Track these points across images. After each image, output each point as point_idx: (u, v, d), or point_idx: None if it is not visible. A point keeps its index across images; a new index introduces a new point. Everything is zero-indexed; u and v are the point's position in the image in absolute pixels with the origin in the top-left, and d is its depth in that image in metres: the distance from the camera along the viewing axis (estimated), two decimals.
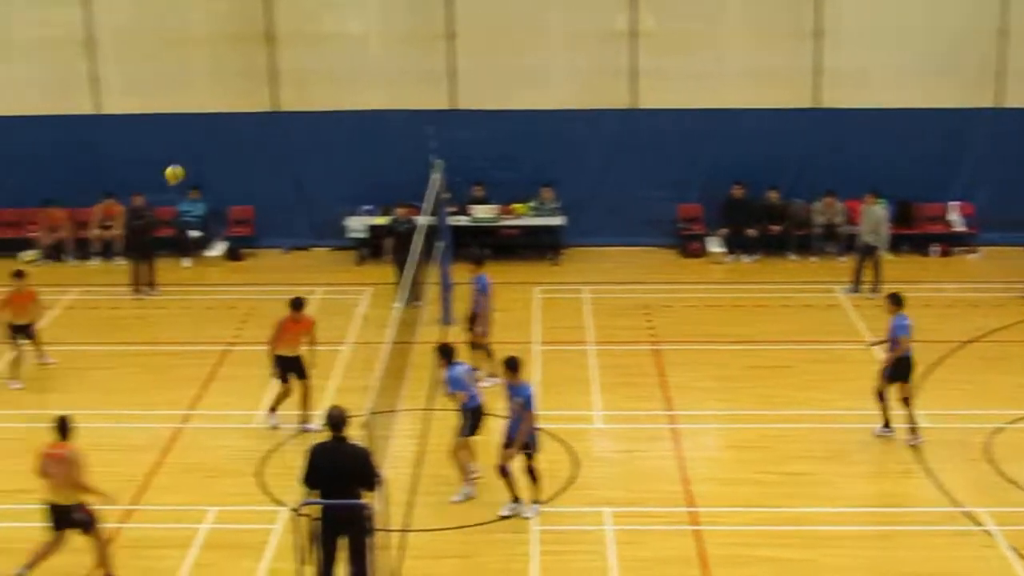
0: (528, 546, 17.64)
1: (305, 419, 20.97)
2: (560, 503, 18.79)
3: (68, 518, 16.60)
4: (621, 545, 17.57)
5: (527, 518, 18.20)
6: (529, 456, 18.33)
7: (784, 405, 22.28)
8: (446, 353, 19.04)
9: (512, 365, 18.28)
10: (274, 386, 21.41)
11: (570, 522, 18.25)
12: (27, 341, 23.65)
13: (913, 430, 20.41)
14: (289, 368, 21.03)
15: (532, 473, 18.40)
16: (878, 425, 20.63)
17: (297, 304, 21.01)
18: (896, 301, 20.46)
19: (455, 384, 18.86)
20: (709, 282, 28.93)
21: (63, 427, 16.72)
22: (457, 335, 23.54)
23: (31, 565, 16.74)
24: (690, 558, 17.27)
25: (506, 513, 18.24)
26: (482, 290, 22.61)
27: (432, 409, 21.80)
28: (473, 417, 18.85)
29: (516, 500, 18.35)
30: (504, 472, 18.28)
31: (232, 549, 17.66)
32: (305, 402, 21.08)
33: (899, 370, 20.26)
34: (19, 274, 23.74)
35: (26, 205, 31.28)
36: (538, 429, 18.61)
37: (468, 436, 18.86)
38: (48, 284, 28.67)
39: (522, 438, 18.09)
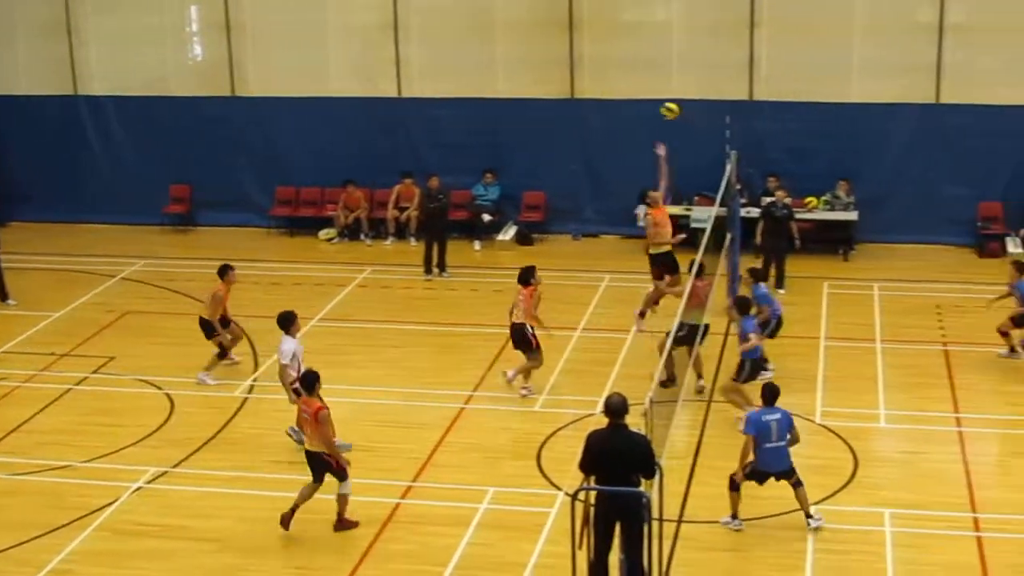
0: (804, 543, 17.40)
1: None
2: (839, 502, 18.50)
3: None
4: (900, 548, 17.19)
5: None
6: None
7: None
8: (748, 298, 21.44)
9: (767, 393, 17.83)
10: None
11: (849, 521, 17.94)
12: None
13: None
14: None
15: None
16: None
17: None
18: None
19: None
20: (1006, 283, 27.97)
21: None
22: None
23: None
24: (972, 565, 16.81)
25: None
26: None
27: (713, 401, 21.70)
28: (751, 368, 20.66)
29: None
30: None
31: (508, 530, 17.89)
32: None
33: None
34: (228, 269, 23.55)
35: (327, 184, 32.21)
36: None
37: (741, 382, 20.70)
38: (343, 262, 29.67)
39: (742, 461, 17.65)
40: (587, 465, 15.33)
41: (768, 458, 17.42)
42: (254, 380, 23.22)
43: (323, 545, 17.62)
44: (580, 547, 15.21)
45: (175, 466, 20.01)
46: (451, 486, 19.07)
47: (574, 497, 15.24)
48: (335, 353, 23.94)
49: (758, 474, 17.56)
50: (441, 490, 19.02)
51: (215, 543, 17.80)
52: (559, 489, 18.75)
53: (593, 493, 15.36)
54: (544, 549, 17.34)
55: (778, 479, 17.58)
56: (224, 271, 23.23)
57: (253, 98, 32.55)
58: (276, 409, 21.86)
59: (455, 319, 26.17)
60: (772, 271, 26.82)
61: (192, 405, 22.26)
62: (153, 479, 19.43)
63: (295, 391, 19.12)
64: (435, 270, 28.65)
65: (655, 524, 15.02)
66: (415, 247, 30.34)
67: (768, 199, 28.89)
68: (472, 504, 18.50)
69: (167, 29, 32.95)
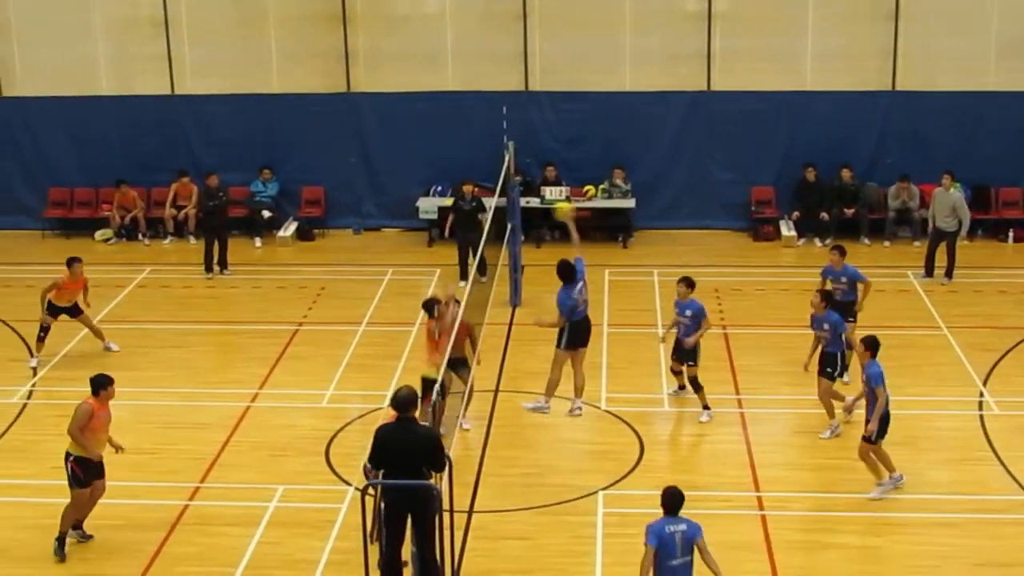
0: (593, 528, 17.61)
1: None
2: (626, 486, 18.76)
3: None
4: None
5: None
6: None
7: (854, 391, 22.10)
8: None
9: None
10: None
11: (636, 505, 18.11)
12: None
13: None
14: None
15: None
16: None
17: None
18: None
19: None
20: (780, 266, 28.75)
21: None
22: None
23: None
24: (756, 543, 17.19)
25: None
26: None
27: (500, 391, 21.82)
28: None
29: None
30: None
31: (298, 527, 17.73)
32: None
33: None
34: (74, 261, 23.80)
35: (101, 184, 31.54)
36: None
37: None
38: (121, 263, 29.12)
39: None
40: (377, 460, 15.29)
41: None
42: (33, 386, 22.63)
43: (109, 551, 17.24)
44: (372, 542, 15.17)
45: None
46: (239, 486, 18.84)
47: (364, 492, 15.18)
48: (114, 356, 23.46)
49: None
50: (229, 490, 18.77)
51: None
52: (349, 484, 18.66)
53: (385, 487, 15.32)
54: (335, 545, 17.23)
55: None
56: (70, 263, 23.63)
57: (19, 98, 31.68)
58: (56, 415, 21.35)
59: (237, 317, 25.86)
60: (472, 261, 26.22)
61: None
62: None
63: None
64: (216, 268, 28.24)
65: (446, 516, 15.06)
66: (195, 246, 29.88)
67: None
68: (261, 503, 18.29)
69: None
